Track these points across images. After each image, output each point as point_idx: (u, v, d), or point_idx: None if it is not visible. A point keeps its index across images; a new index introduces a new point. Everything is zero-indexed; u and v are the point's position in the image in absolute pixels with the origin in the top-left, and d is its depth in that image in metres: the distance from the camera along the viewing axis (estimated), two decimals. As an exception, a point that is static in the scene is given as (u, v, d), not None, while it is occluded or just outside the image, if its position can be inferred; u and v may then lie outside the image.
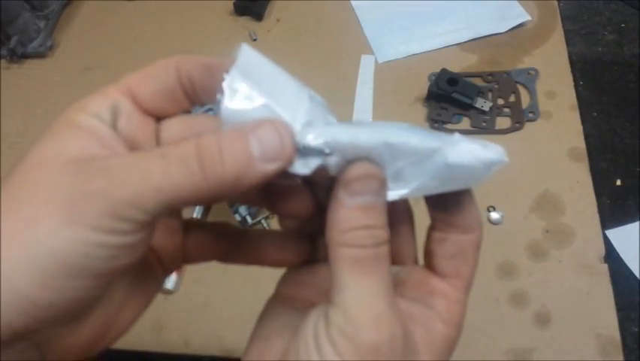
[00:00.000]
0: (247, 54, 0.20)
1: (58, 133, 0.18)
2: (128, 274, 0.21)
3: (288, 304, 0.23)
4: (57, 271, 0.16)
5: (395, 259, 0.23)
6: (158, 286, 0.24)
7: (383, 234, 0.19)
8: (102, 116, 0.19)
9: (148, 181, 0.17)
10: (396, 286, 0.22)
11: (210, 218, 0.54)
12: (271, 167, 0.17)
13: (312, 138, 0.18)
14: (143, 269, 0.22)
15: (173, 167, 0.17)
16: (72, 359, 0.20)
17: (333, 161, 0.19)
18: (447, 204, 0.22)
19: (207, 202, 0.20)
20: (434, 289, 0.22)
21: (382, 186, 0.19)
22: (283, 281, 0.25)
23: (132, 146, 0.20)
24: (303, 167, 0.19)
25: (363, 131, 0.19)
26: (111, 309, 0.20)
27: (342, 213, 0.19)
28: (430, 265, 0.23)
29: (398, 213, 0.24)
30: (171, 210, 0.17)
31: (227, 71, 0.19)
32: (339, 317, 0.18)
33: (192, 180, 0.17)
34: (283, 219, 0.24)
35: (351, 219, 0.18)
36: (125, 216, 0.17)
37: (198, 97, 0.21)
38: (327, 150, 0.18)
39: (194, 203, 0.18)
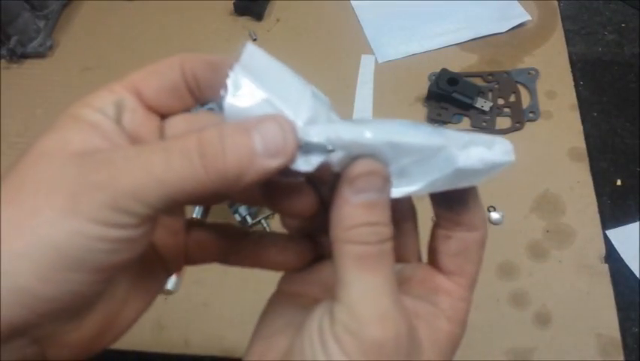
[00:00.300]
0: (251, 52, 0.20)
1: (62, 126, 0.18)
2: (129, 271, 0.21)
3: (291, 301, 0.23)
4: (57, 264, 0.16)
5: (398, 257, 0.23)
6: (159, 285, 0.23)
7: (387, 231, 0.19)
8: (106, 111, 0.19)
9: (150, 174, 0.16)
10: (401, 284, 0.22)
11: (210, 218, 0.54)
12: (273, 163, 0.17)
13: (314, 135, 0.18)
14: (145, 267, 0.22)
15: (175, 160, 0.17)
16: (73, 357, 0.19)
17: (336, 157, 0.19)
18: (452, 202, 0.22)
19: (210, 197, 0.20)
20: (438, 287, 0.22)
21: (386, 183, 0.19)
22: (286, 278, 0.25)
23: (136, 141, 0.20)
24: (305, 164, 0.18)
25: (367, 129, 0.18)
26: (113, 306, 0.20)
27: (346, 211, 0.19)
28: (434, 262, 0.23)
29: (401, 211, 0.24)
30: (173, 205, 0.17)
31: (231, 68, 0.19)
32: (344, 313, 0.18)
33: (194, 174, 0.17)
34: (286, 218, 0.24)
35: (355, 216, 0.18)
36: (127, 209, 0.16)
37: (203, 94, 0.21)
38: (329, 147, 0.18)
39: (196, 198, 0.17)
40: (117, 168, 0.17)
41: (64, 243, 0.16)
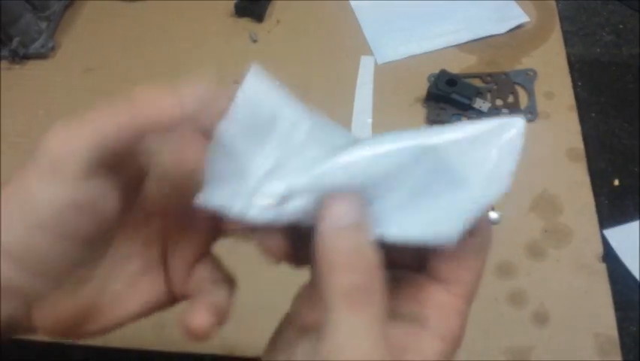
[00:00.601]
0: (251, 84, 0.20)
1: None
2: (126, 264, 0.23)
3: (292, 321, 0.23)
4: (27, 222, 0.19)
5: (397, 263, 0.22)
6: (162, 302, 0.24)
7: (374, 256, 0.18)
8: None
9: (84, 130, 0.19)
10: (391, 298, 0.20)
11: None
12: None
13: (264, 196, 0.19)
14: (150, 277, 0.23)
15: (104, 110, 0.19)
16: (57, 328, 0.21)
17: (300, 204, 0.19)
18: None
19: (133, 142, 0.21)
20: (430, 299, 0.20)
21: (363, 205, 0.18)
22: (294, 297, 0.24)
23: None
24: (259, 214, 0.19)
25: (330, 174, 0.18)
26: (100, 292, 0.22)
27: (327, 239, 0.18)
28: (429, 268, 0.21)
29: None
30: (108, 159, 0.19)
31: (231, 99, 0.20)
32: (328, 356, 0.17)
33: (117, 118, 0.19)
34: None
35: (337, 243, 0.18)
36: (67, 164, 0.19)
37: None
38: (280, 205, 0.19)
39: (123, 143, 0.20)
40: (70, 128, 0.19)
41: (38, 206, 0.19)
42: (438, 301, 0.20)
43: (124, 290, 0.22)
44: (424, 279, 0.21)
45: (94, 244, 0.21)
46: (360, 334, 0.17)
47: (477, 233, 0.21)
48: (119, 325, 0.23)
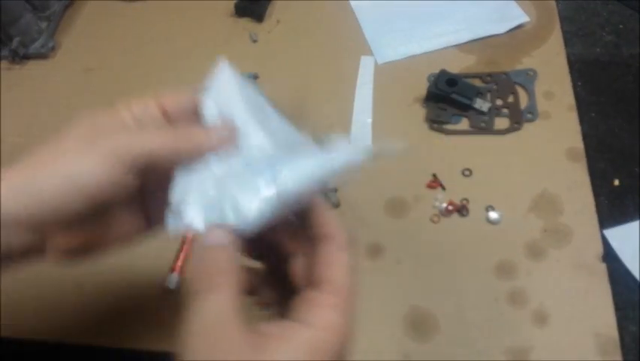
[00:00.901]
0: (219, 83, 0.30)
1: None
2: (112, 213, 0.29)
3: None
4: (70, 186, 0.26)
5: (307, 282, 0.26)
6: (139, 234, 0.31)
7: (227, 262, 0.24)
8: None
9: (140, 140, 0.26)
10: (287, 311, 0.25)
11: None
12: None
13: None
14: (132, 218, 0.31)
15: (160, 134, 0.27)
16: (61, 254, 0.28)
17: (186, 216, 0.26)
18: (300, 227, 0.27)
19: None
20: (308, 303, 0.24)
21: (229, 233, 0.25)
22: None
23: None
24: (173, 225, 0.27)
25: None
26: (93, 230, 0.28)
27: (199, 249, 0.25)
28: (311, 280, 0.25)
29: (313, 237, 0.27)
30: (149, 163, 0.26)
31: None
32: (183, 331, 0.23)
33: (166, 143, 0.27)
34: None
35: (204, 254, 0.25)
36: (121, 158, 0.26)
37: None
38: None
39: (162, 162, 0.27)
40: (125, 132, 0.27)
41: (73, 173, 0.25)
42: (314, 302, 0.24)
43: (114, 226, 0.29)
44: (309, 292, 0.25)
45: (106, 208, 0.27)
46: (208, 311, 0.23)
47: (331, 235, 0.25)
48: (107, 250, 0.30)
